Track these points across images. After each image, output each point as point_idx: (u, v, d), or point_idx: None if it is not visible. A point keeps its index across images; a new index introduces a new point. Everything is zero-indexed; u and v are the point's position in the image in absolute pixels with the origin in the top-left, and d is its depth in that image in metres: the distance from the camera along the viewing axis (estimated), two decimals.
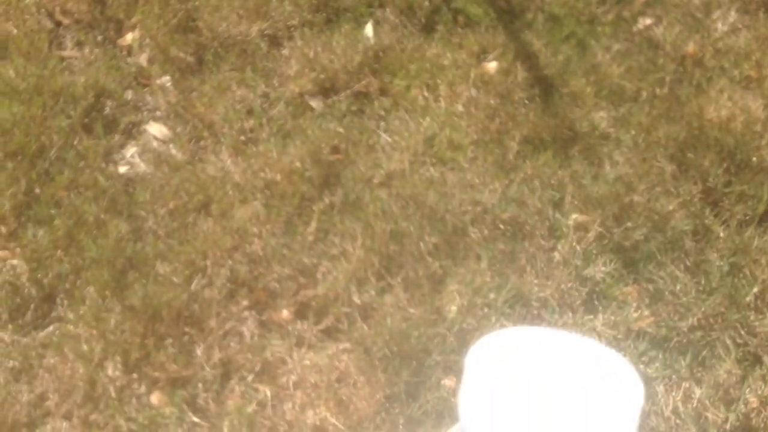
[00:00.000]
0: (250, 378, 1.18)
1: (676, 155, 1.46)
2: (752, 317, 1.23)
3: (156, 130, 1.59)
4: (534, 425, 0.25)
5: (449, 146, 1.52)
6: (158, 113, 1.62)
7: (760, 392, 1.12)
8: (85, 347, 1.16)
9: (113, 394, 1.12)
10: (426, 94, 1.63)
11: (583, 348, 0.29)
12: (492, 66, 1.67)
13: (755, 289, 1.25)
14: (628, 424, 0.25)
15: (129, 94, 1.64)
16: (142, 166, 1.51)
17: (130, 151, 1.55)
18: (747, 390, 1.12)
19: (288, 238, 1.37)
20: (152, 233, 1.35)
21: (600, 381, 0.26)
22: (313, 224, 1.40)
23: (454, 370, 1.20)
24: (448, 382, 1.20)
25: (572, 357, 0.28)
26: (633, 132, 1.51)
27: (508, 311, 1.26)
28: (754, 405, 1.10)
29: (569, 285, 1.29)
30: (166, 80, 1.67)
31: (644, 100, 1.58)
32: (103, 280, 1.25)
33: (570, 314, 1.25)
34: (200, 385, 1.16)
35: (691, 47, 1.67)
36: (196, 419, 1.10)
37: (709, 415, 1.10)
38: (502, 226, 1.38)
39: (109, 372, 1.14)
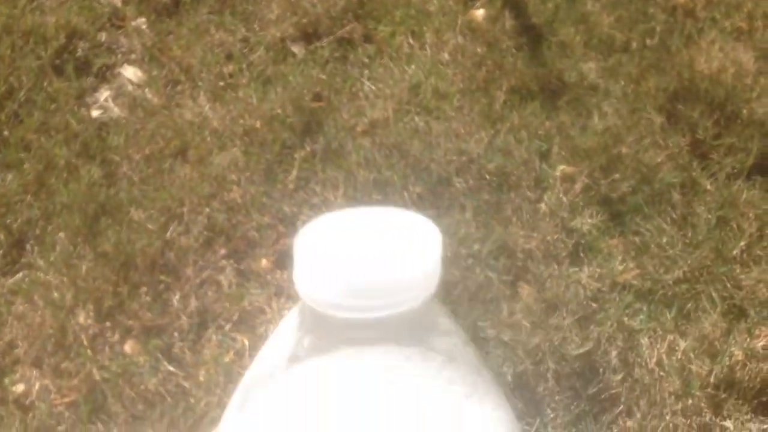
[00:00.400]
0: (227, 327, 1.15)
1: (665, 107, 1.43)
2: (738, 271, 1.21)
3: (131, 73, 1.54)
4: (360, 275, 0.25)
5: (434, 95, 1.49)
6: (133, 56, 1.56)
7: (745, 345, 1.10)
8: (55, 294, 1.12)
9: (85, 342, 1.08)
10: (411, 41, 1.59)
11: (392, 217, 0.29)
12: (480, 13, 1.62)
13: (742, 243, 1.23)
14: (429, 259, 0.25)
15: (102, 36, 1.58)
16: (115, 111, 1.46)
17: (104, 94, 1.50)
18: (732, 343, 1.11)
19: (268, 186, 1.33)
20: (126, 179, 1.31)
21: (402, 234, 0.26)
22: (294, 172, 1.36)
23: None
24: None
25: (380, 223, 0.27)
26: (622, 83, 1.48)
27: (493, 262, 1.23)
28: (739, 358, 1.09)
29: (555, 236, 1.26)
30: (141, 22, 1.61)
31: (634, 50, 1.55)
32: (74, 226, 1.21)
33: (555, 266, 1.22)
34: (176, 334, 1.13)
35: None
36: (171, 368, 1.07)
37: (694, 367, 1.08)
38: (487, 177, 1.35)
39: (81, 320, 1.11)
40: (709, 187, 1.31)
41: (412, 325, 0.27)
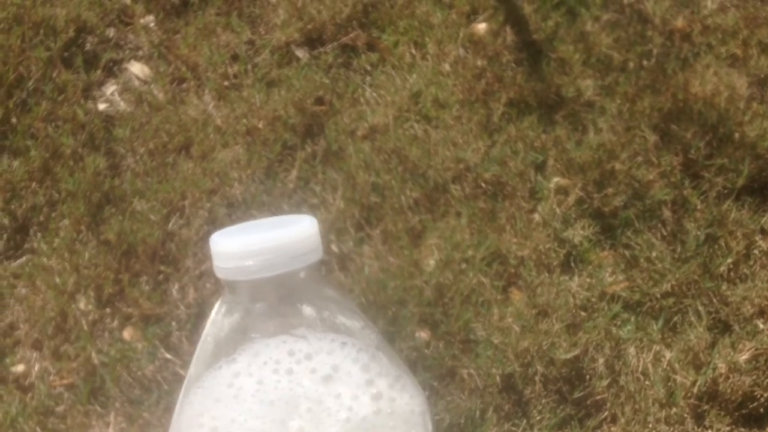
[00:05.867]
0: None
1: (659, 126, 1.47)
2: (725, 287, 1.24)
3: (138, 69, 1.56)
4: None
5: (434, 104, 1.52)
6: (140, 53, 1.59)
7: (728, 359, 1.13)
8: (57, 279, 1.14)
9: (85, 327, 1.10)
10: (413, 51, 1.62)
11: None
12: (482, 27, 1.65)
13: (729, 260, 1.27)
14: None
15: (111, 32, 1.60)
16: (122, 105, 1.48)
17: (110, 88, 1.52)
18: (716, 356, 1.14)
19: (268, 185, 1.36)
20: (130, 171, 1.33)
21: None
22: (294, 172, 1.38)
23: (429, 322, 1.20)
24: (422, 334, 1.20)
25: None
26: (618, 101, 1.51)
27: (486, 268, 1.26)
28: (723, 371, 1.12)
29: (547, 246, 1.29)
30: (149, 20, 1.64)
31: (631, 70, 1.58)
32: (78, 214, 1.23)
33: (546, 274, 1.25)
34: (174, 323, 1.15)
35: (680, 22, 1.67)
36: (168, 356, 1.09)
37: (678, 377, 1.11)
38: (483, 185, 1.38)
39: (82, 305, 1.13)
40: (699, 205, 1.35)
41: (308, 292, 0.30)
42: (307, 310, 0.29)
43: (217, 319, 0.30)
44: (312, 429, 0.26)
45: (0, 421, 0.98)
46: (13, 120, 1.37)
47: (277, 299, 0.29)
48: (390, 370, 0.29)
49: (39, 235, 1.22)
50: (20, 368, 1.04)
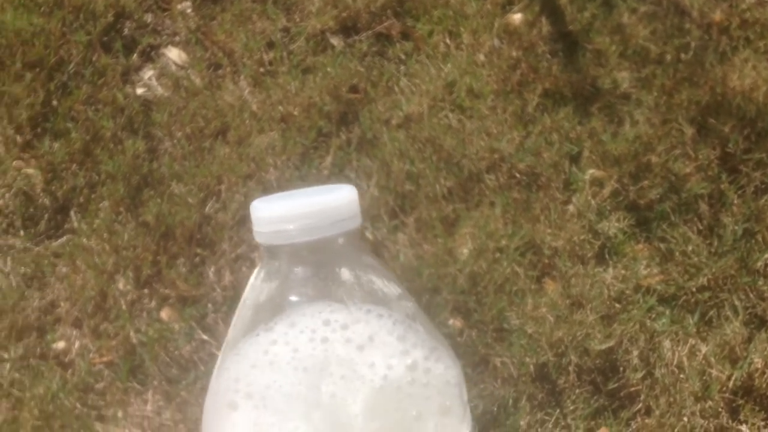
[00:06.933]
0: None
1: (696, 119, 1.46)
2: (761, 282, 1.23)
3: (175, 54, 1.57)
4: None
5: (469, 94, 1.52)
6: (177, 38, 1.60)
7: (765, 353, 1.13)
8: (97, 260, 1.16)
9: (124, 307, 1.12)
10: (448, 41, 1.62)
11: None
12: (517, 17, 1.65)
13: (766, 255, 1.26)
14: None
15: (149, 17, 1.62)
16: (159, 89, 1.50)
17: (148, 73, 1.54)
18: (752, 351, 1.13)
19: (303, 171, 1.37)
20: (168, 154, 1.34)
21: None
22: (329, 159, 1.39)
23: (462, 311, 1.21)
24: (456, 322, 1.20)
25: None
26: (655, 93, 1.50)
27: (520, 258, 1.26)
28: (759, 365, 1.11)
29: (581, 237, 1.29)
30: (186, 6, 1.65)
31: (668, 63, 1.57)
32: (117, 196, 1.24)
33: (581, 265, 1.25)
34: (210, 305, 1.16)
35: (718, 15, 1.66)
36: (204, 337, 1.10)
37: (714, 371, 1.11)
38: (518, 176, 1.38)
39: (120, 286, 1.14)
40: (736, 199, 1.34)
41: (347, 259, 0.30)
42: (346, 275, 0.30)
43: (256, 284, 0.31)
44: (344, 394, 0.27)
45: (41, 396, 1.00)
46: (54, 102, 1.39)
47: (315, 265, 0.29)
48: (426, 342, 0.29)
49: (79, 215, 1.24)
50: (61, 345, 1.06)
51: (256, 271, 0.30)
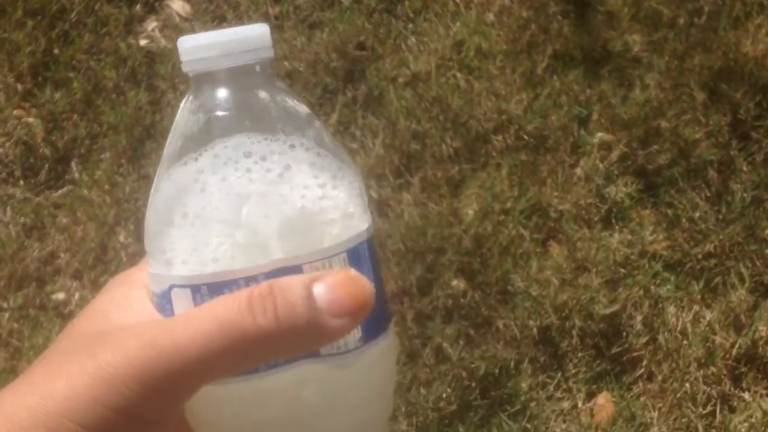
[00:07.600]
0: None
1: (708, 84, 1.43)
2: None
3: (178, 6, 1.54)
4: None
5: (477, 54, 1.49)
6: None
7: None
8: (98, 211, 1.14)
9: (124, 260, 1.11)
10: None
11: None
12: None
13: None
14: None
15: None
16: (162, 41, 1.47)
17: (151, 24, 1.51)
18: (758, 318, 1.12)
19: None
20: (171, 107, 1.32)
21: None
22: (335, 116, 1.37)
23: (467, 272, 1.20)
24: (460, 283, 1.19)
25: None
26: (666, 57, 1.48)
27: (525, 221, 1.25)
28: (763, 334, 1.11)
29: (588, 201, 1.27)
30: None
31: (681, 27, 1.54)
32: (119, 147, 1.22)
33: (587, 229, 1.24)
34: None
35: None
36: None
37: (718, 338, 1.10)
38: (525, 137, 1.36)
39: (121, 238, 1.13)
40: (746, 167, 1.32)
41: (263, 84, 0.36)
42: (263, 96, 0.35)
43: (184, 115, 0.34)
44: (264, 215, 0.32)
45: (41, 346, 0.99)
46: (56, 51, 1.36)
47: (236, 89, 0.35)
48: (333, 163, 0.35)
49: (80, 166, 1.22)
50: (60, 296, 1.05)
51: (183, 102, 0.33)
